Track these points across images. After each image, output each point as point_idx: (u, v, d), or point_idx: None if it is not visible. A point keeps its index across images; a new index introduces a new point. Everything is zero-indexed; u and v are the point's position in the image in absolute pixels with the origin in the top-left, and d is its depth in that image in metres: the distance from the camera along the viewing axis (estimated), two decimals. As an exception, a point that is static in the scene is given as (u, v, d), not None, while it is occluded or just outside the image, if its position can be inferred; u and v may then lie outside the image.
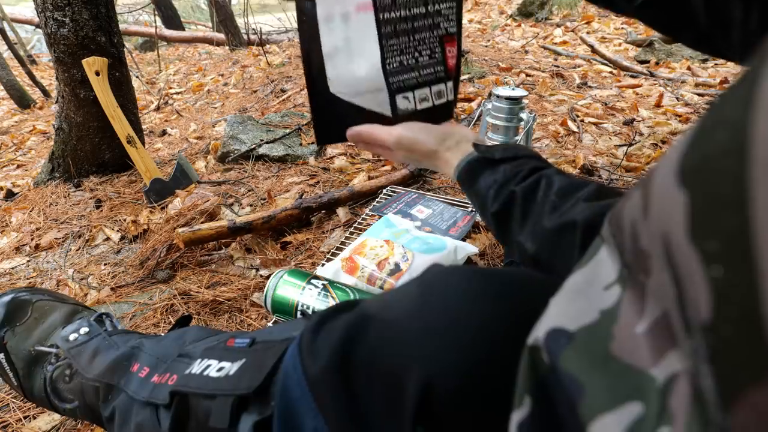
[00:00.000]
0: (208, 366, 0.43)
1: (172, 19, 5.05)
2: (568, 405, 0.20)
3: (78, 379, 0.55)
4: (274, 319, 0.78)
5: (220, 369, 0.41)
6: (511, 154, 0.53)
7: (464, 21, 3.94)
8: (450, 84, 0.60)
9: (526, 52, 2.78)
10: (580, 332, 0.21)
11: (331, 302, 0.66)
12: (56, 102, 1.46)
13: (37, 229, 1.28)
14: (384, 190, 1.18)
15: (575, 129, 1.65)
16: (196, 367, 0.43)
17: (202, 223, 1.14)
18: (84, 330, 0.58)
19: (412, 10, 0.56)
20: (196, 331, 0.55)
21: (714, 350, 0.14)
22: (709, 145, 0.15)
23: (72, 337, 0.58)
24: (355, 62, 0.55)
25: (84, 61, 1.34)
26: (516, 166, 0.51)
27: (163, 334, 0.59)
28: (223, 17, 3.80)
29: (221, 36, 4.01)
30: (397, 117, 0.58)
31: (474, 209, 0.56)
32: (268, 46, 3.61)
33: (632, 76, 2.23)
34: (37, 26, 4.20)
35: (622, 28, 3.26)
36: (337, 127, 0.59)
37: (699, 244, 0.14)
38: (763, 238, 0.12)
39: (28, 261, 1.17)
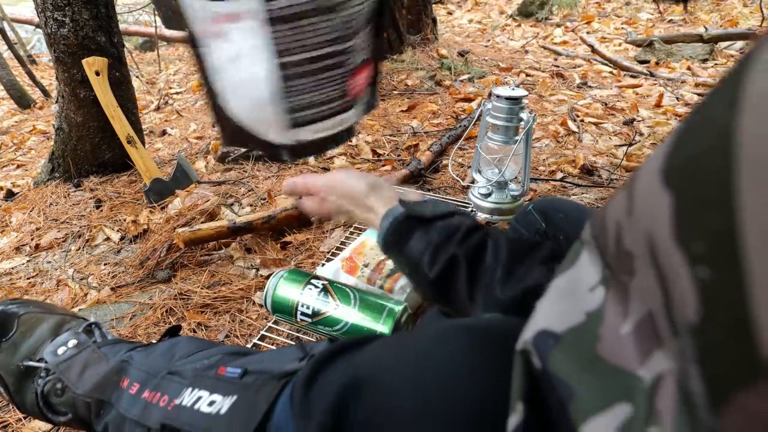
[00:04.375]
0: (199, 398, 0.42)
1: (172, 19, 5.06)
2: (559, 407, 0.20)
3: (69, 394, 0.55)
4: (274, 319, 0.78)
5: (211, 403, 0.41)
6: (442, 211, 0.47)
7: (464, 21, 3.94)
8: (354, 110, 0.61)
9: (526, 52, 2.78)
10: (567, 334, 0.21)
11: (332, 302, 0.66)
12: (56, 102, 1.46)
13: (37, 229, 1.28)
14: (384, 190, 1.18)
15: (575, 129, 1.65)
16: (187, 398, 0.43)
17: (202, 223, 1.14)
18: (72, 343, 0.58)
19: (317, 52, 0.55)
20: (186, 344, 0.54)
21: (702, 352, 0.14)
22: (694, 146, 0.14)
23: (60, 350, 0.57)
24: (249, 90, 0.55)
25: (84, 61, 1.34)
26: (449, 225, 0.46)
27: (153, 342, 0.59)
28: (223, 17, 3.80)
29: (221, 36, 4.00)
30: (293, 148, 0.59)
31: (404, 273, 0.51)
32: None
33: (632, 76, 2.23)
34: (37, 26, 4.19)
35: (622, 28, 3.26)
36: (236, 135, 0.59)
37: (684, 244, 0.14)
38: (751, 241, 0.12)
39: (28, 261, 1.17)
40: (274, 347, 0.74)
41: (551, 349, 0.21)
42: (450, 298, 0.44)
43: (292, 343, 0.77)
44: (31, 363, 0.58)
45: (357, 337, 0.40)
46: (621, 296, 0.19)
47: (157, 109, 2.47)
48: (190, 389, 0.44)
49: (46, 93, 2.90)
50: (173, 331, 0.62)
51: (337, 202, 0.55)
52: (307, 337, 0.77)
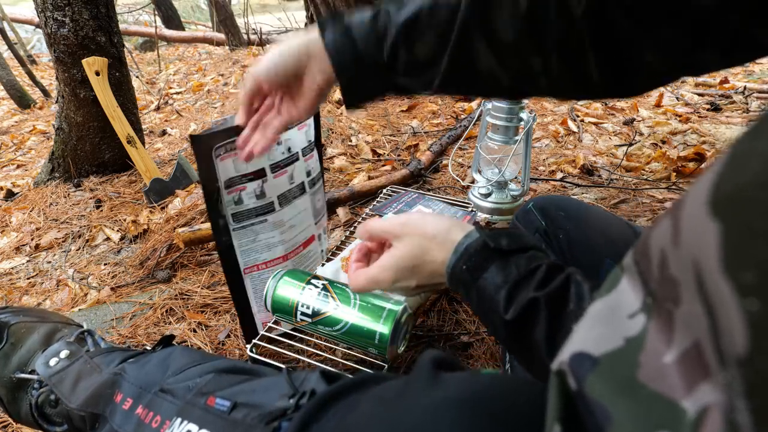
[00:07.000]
0: None
1: (172, 19, 5.05)
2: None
3: (63, 406, 0.55)
4: (273, 319, 0.78)
5: None
6: (519, 245, 0.44)
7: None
8: None
9: (526, 52, 2.78)
10: (605, 357, 0.21)
11: (331, 302, 0.66)
12: (56, 102, 1.47)
13: (37, 229, 1.28)
14: (384, 190, 1.18)
15: (575, 129, 1.65)
16: (176, 431, 0.44)
17: (202, 223, 1.14)
18: (64, 353, 0.58)
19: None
20: (180, 356, 0.54)
21: (751, 385, 0.14)
22: (743, 177, 0.14)
23: (52, 362, 0.57)
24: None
25: (84, 61, 1.34)
26: (528, 260, 0.42)
27: (147, 349, 0.59)
28: (223, 17, 3.80)
29: (221, 36, 4.01)
30: None
31: (474, 310, 0.46)
32: (268, 45, 3.61)
33: (632, 76, 2.22)
34: (37, 26, 4.19)
35: (622, 28, 3.25)
36: None
37: (733, 275, 0.14)
38: None
39: (28, 261, 1.17)
40: (273, 347, 0.74)
41: (588, 372, 0.21)
42: (525, 344, 0.41)
43: (293, 343, 0.77)
44: (23, 375, 0.58)
45: (347, 380, 0.39)
46: (665, 324, 0.18)
47: (157, 109, 2.47)
48: (179, 420, 0.44)
49: (46, 93, 2.90)
50: (167, 341, 0.62)
51: (410, 269, 0.50)
52: (303, 344, 0.77)
